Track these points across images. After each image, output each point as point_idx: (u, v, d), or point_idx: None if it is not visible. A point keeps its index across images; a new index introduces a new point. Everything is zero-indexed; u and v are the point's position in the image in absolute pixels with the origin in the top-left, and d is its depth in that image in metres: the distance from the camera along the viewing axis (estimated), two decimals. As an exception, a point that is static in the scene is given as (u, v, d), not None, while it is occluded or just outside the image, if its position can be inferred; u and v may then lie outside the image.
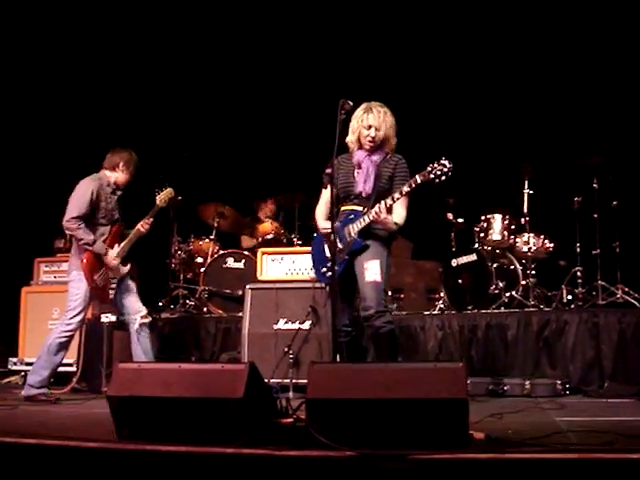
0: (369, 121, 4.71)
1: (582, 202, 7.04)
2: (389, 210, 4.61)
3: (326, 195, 4.75)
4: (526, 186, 7.21)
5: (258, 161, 8.90)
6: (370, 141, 4.73)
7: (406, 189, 4.51)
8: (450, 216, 7.60)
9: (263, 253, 6.44)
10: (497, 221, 7.18)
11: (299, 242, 7.67)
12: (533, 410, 4.60)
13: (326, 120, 4.49)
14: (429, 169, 4.43)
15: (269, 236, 7.90)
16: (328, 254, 4.63)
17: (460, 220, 7.60)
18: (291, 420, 3.27)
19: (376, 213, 4.52)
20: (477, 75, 8.42)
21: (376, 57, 8.55)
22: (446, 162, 4.41)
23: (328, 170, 4.34)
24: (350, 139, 4.81)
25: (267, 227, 8.06)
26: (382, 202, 4.54)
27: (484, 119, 8.34)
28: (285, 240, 7.91)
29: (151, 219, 5.72)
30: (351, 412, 3.02)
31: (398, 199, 4.54)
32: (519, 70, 8.23)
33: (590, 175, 6.97)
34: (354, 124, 4.76)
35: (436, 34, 8.46)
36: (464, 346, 6.22)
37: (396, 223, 4.67)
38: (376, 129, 4.72)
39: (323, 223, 4.81)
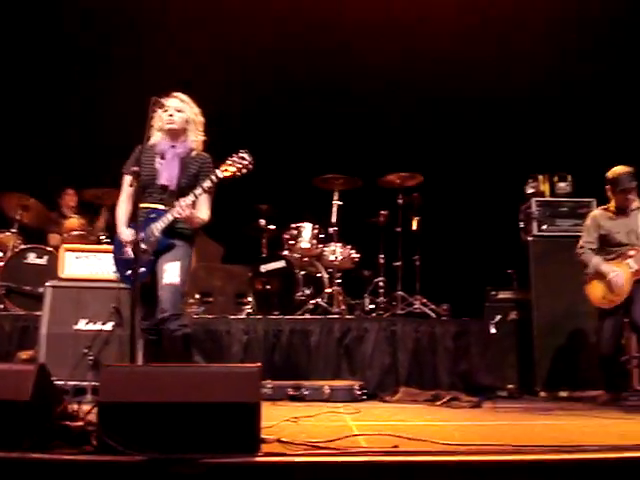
0: (168, 103, 4.58)
1: (387, 216, 7.39)
2: (193, 208, 4.51)
3: (127, 193, 4.63)
4: (336, 197, 7.45)
5: (68, 151, 8.50)
6: (169, 121, 4.59)
7: (207, 184, 4.44)
8: (262, 222, 7.70)
9: (66, 250, 6.14)
10: (307, 230, 7.37)
11: (107, 240, 7.45)
12: (329, 414, 4.73)
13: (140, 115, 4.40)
14: (229, 162, 4.40)
15: (75, 232, 7.60)
16: (131, 255, 4.47)
17: (272, 227, 7.72)
18: (81, 424, 3.16)
19: (181, 208, 4.41)
20: (293, 87, 8.54)
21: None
22: (245, 155, 4.40)
23: (134, 168, 4.23)
24: (154, 129, 4.66)
25: (74, 222, 7.75)
26: (184, 199, 4.43)
27: (298, 129, 8.48)
28: (93, 237, 7.64)
29: None
30: (144, 416, 2.96)
31: (200, 194, 4.47)
32: (334, 86, 8.44)
33: (395, 191, 7.32)
34: (159, 112, 4.58)
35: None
36: (268, 351, 6.32)
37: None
38: (177, 110, 4.61)
39: (124, 231, 4.58)
